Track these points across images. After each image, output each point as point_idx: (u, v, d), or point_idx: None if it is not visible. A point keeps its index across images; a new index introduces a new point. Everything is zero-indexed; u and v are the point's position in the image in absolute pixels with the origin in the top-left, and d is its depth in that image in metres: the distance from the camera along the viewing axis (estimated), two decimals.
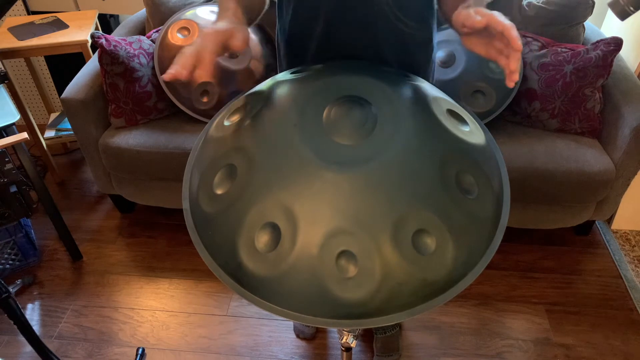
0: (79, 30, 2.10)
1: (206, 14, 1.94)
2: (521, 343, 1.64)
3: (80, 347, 1.68)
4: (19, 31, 2.11)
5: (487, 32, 0.71)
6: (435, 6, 0.96)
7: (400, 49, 0.96)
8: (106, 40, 1.78)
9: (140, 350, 1.65)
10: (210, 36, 0.71)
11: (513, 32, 0.67)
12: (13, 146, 1.53)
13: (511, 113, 1.86)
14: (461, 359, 1.61)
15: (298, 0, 0.94)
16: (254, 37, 1.93)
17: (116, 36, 1.93)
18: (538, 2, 1.87)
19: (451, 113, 0.76)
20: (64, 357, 1.65)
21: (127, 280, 1.91)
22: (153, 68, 1.90)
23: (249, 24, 0.85)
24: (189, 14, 1.95)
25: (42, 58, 2.49)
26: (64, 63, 2.45)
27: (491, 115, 1.78)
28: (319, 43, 0.95)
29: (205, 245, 0.68)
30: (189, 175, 0.76)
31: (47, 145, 2.30)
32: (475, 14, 0.71)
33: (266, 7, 0.93)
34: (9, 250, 1.93)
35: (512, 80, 0.70)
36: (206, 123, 0.83)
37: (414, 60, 1.00)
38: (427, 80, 1.01)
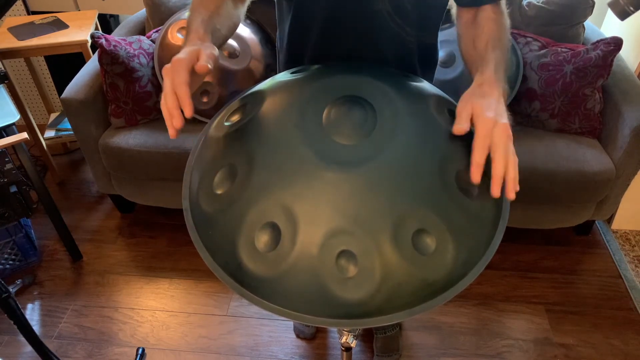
0: (79, 30, 2.10)
1: None
2: (521, 343, 1.64)
3: (80, 347, 1.68)
4: (19, 31, 2.11)
5: None
6: (434, 13, 0.95)
7: (399, 53, 0.96)
8: (106, 40, 1.78)
9: (140, 350, 1.65)
10: (177, 68, 0.68)
11: (499, 153, 0.63)
12: (13, 146, 1.53)
13: (511, 113, 1.85)
14: (461, 359, 1.61)
15: (297, 7, 0.93)
16: (254, 37, 1.93)
17: (116, 36, 1.93)
18: (538, 2, 1.87)
19: (451, 113, 0.76)
20: (64, 357, 1.65)
21: (127, 280, 1.91)
22: (153, 68, 1.90)
23: (219, 42, 0.83)
24: (188, 14, 1.94)
25: (42, 58, 2.49)
26: (64, 63, 2.44)
27: None
28: (319, 46, 0.95)
29: (205, 245, 0.68)
30: (189, 175, 0.76)
31: (47, 145, 2.30)
32: (467, 114, 0.69)
33: (237, 26, 0.92)
34: (9, 250, 1.93)
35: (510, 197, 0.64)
36: (206, 123, 0.82)
37: (412, 63, 0.99)
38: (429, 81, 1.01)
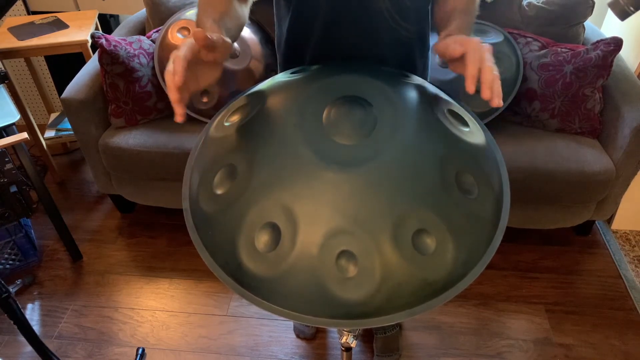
0: (79, 30, 2.10)
1: None
2: (521, 343, 1.64)
3: (80, 347, 1.68)
4: (19, 31, 2.11)
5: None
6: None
7: (399, 51, 0.96)
8: (106, 40, 1.78)
9: (140, 350, 1.65)
10: (181, 47, 0.69)
11: (487, 63, 0.71)
12: (13, 146, 1.53)
13: (511, 113, 1.86)
14: (461, 359, 1.61)
15: (297, 4, 0.93)
16: (254, 37, 1.93)
17: (116, 36, 1.93)
18: (538, 2, 1.87)
19: (451, 113, 0.76)
20: (64, 357, 1.65)
21: (127, 280, 1.91)
22: (153, 68, 1.90)
23: (232, 42, 0.82)
24: (189, 14, 1.95)
25: (42, 58, 2.49)
26: (64, 63, 2.45)
27: (491, 115, 1.78)
28: (318, 46, 0.95)
29: (205, 245, 0.68)
30: (189, 175, 0.76)
31: (47, 145, 2.31)
32: (454, 43, 0.76)
33: (244, 25, 0.92)
34: (9, 250, 1.93)
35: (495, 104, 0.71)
36: (206, 123, 0.82)
37: (412, 60, 1.00)
38: (425, 79, 1.02)
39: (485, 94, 0.71)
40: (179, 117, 0.68)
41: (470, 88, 0.72)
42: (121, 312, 1.79)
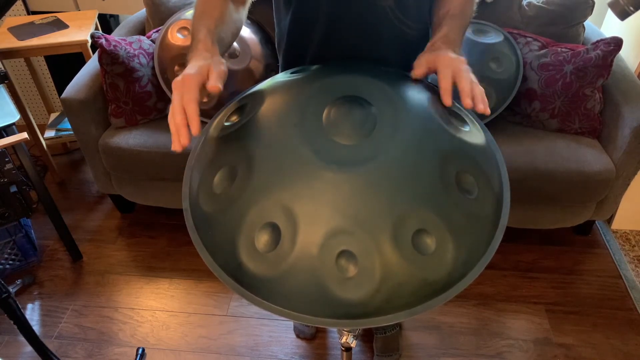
0: (79, 30, 2.10)
1: None
2: (521, 343, 1.64)
3: (80, 347, 1.68)
4: (19, 31, 2.11)
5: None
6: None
7: (401, 50, 0.96)
8: (106, 40, 1.78)
9: (140, 350, 1.65)
10: (188, 84, 0.69)
11: (462, 74, 0.73)
12: (13, 146, 1.53)
13: (511, 113, 1.86)
14: (461, 359, 1.61)
15: (297, 6, 0.93)
16: (254, 37, 1.93)
17: (116, 36, 1.93)
18: (538, 2, 1.87)
19: (451, 113, 0.76)
20: (64, 357, 1.65)
21: (127, 280, 1.91)
22: (153, 68, 1.90)
23: (224, 50, 0.83)
24: (189, 14, 1.95)
25: (42, 58, 2.49)
26: (64, 63, 2.45)
27: (491, 115, 1.78)
28: (320, 44, 0.95)
29: (205, 245, 0.68)
30: (189, 175, 0.76)
31: (47, 145, 2.30)
32: (424, 64, 0.80)
33: (240, 29, 0.93)
34: (9, 250, 1.93)
35: (467, 105, 0.72)
36: (206, 123, 0.83)
37: (414, 59, 1.00)
38: (426, 79, 1.01)
39: (465, 103, 0.71)
40: (178, 146, 0.68)
41: (446, 101, 0.74)
42: (121, 312, 1.79)
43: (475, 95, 0.71)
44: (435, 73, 0.79)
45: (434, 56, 0.79)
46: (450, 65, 0.75)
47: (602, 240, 2.00)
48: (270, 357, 1.63)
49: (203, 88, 0.71)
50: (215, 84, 0.70)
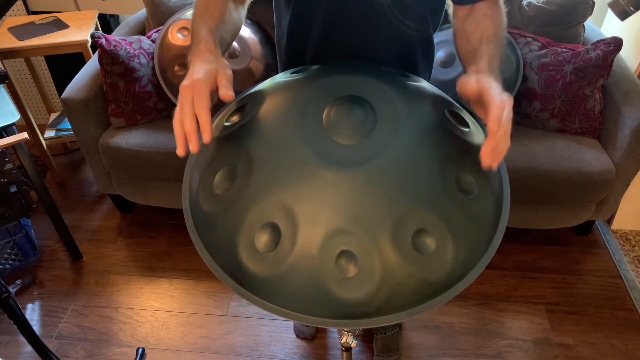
0: (79, 30, 2.10)
1: None
2: (521, 343, 1.64)
3: (80, 347, 1.68)
4: (19, 31, 2.11)
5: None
6: (436, 7, 0.96)
7: (401, 49, 0.96)
8: (106, 40, 1.78)
9: (140, 350, 1.65)
10: (198, 90, 0.67)
11: (495, 111, 0.63)
12: (13, 146, 1.53)
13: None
14: (461, 359, 1.61)
15: (297, 5, 0.93)
16: (254, 37, 1.93)
17: (116, 36, 1.92)
18: (538, 2, 1.87)
19: (451, 113, 0.76)
20: (64, 357, 1.65)
21: (127, 280, 1.91)
22: (153, 68, 1.90)
23: (224, 50, 0.82)
24: (189, 14, 1.94)
25: (42, 58, 2.49)
26: (64, 63, 2.45)
27: None
28: (319, 44, 0.95)
29: (205, 245, 0.68)
30: (189, 175, 0.76)
31: (47, 145, 2.30)
32: (471, 82, 0.68)
33: (240, 29, 0.92)
34: (9, 250, 1.93)
35: (484, 165, 0.63)
36: None
37: (414, 60, 1.00)
38: (426, 80, 1.01)
39: (484, 162, 0.63)
40: (184, 151, 0.67)
41: (486, 162, 0.64)
42: (121, 312, 1.79)
43: (499, 150, 0.63)
44: (471, 99, 0.70)
45: (486, 85, 0.68)
46: (501, 107, 0.64)
47: (602, 241, 2.00)
48: (270, 357, 1.63)
49: (212, 93, 0.70)
50: (228, 93, 0.69)
